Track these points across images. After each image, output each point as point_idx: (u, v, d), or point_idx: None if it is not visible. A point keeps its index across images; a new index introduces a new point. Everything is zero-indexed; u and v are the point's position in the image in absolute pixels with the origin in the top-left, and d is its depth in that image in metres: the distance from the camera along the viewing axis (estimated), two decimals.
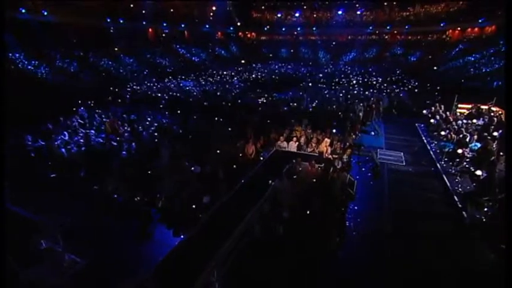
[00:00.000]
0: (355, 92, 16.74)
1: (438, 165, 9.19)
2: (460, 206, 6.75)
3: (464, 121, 10.42)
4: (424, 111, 13.45)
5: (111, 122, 9.59)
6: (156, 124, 10.49)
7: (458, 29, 35.43)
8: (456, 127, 9.99)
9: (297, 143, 9.21)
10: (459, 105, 13.34)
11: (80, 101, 14.31)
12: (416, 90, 18.33)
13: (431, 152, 10.39)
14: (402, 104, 16.20)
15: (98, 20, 27.64)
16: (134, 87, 18.95)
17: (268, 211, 5.73)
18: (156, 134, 9.33)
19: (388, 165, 9.78)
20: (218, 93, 15.58)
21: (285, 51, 43.63)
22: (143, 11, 32.70)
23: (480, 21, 32.12)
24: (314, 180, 6.69)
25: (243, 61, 38.39)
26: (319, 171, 7.33)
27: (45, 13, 22.61)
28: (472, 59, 28.89)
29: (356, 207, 7.12)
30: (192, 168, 7.07)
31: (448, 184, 7.86)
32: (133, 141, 8.44)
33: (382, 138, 12.54)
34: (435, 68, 30.34)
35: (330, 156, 8.12)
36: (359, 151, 10.28)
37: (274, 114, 11.58)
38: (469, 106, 13.18)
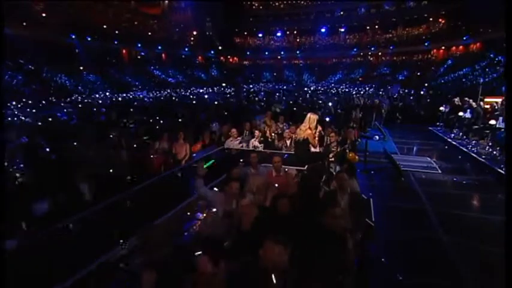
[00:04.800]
0: (349, 95, 13.52)
1: (501, 170, 5.48)
2: None
3: None
4: (442, 108, 10.14)
5: None
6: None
7: (443, 48, 34.78)
8: None
9: (262, 138, 5.42)
10: (485, 99, 10.18)
11: None
12: (421, 93, 15.36)
13: (474, 154, 6.78)
14: (407, 107, 12.99)
15: (61, 36, 24.81)
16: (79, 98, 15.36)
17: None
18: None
19: (414, 174, 6.01)
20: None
21: (268, 74, 41.89)
22: (116, 31, 30.53)
23: (464, 38, 31.45)
24: (283, 198, 2.73)
25: (223, 84, 36.07)
26: (295, 179, 3.45)
27: None
28: (463, 73, 27.32)
29: (383, 259, 3.16)
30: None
31: None
32: None
33: (392, 143, 8.95)
34: (426, 84, 28.47)
35: (318, 149, 4.29)
36: (365, 157, 6.58)
37: (234, 109, 7.90)
38: (498, 100, 10.01)
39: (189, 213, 3.08)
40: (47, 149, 4.20)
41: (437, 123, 10.67)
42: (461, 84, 23.86)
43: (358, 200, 3.09)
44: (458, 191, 5.17)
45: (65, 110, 9.16)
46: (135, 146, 4.75)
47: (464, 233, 3.83)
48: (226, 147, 5.09)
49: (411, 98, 14.21)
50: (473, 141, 7.49)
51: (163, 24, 33.87)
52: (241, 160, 3.68)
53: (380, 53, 39.16)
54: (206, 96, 16.19)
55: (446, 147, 8.35)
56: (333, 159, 4.96)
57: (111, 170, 3.87)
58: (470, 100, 8.65)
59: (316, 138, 3.97)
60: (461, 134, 8.44)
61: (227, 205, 2.52)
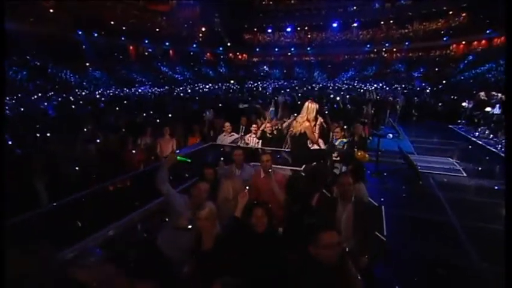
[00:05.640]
0: (361, 91, 12.63)
1: None
2: None
3: None
4: (464, 103, 9.17)
5: None
6: None
7: (463, 42, 32.83)
8: None
9: (259, 134, 4.79)
10: None
11: None
12: (440, 86, 14.22)
13: (505, 155, 5.87)
14: (423, 103, 11.99)
15: (68, 33, 24.91)
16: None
17: None
18: None
19: (435, 177, 5.21)
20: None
21: (278, 71, 41.01)
22: (123, 28, 30.50)
23: (488, 32, 29.49)
24: (259, 208, 2.02)
25: (232, 81, 35.53)
26: (287, 180, 2.78)
27: None
28: (486, 68, 25.56)
29: (397, 286, 2.46)
30: None
31: None
32: None
33: (407, 141, 8.11)
34: (444, 81, 26.87)
35: (323, 145, 3.60)
36: (378, 157, 5.82)
37: (234, 103, 7.27)
38: None
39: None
40: (10, 142, 3.73)
41: (459, 121, 9.69)
42: (484, 80, 22.29)
43: (366, 210, 2.39)
44: (489, 199, 4.34)
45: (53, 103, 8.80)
46: (111, 140, 4.20)
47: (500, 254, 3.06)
48: (216, 143, 4.49)
49: (427, 92, 13.14)
50: (504, 140, 6.56)
51: (171, 20, 33.63)
52: (222, 158, 3.05)
53: (395, 49, 37.56)
54: (205, 90, 15.67)
55: (470, 147, 7.43)
56: (338, 158, 4.26)
57: (76, 167, 3.33)
58: (499, 94, 7.67)
59: (316, 133, 3.27)
60: (487, 132, 7.50)
61: (188, 214, 1.90)
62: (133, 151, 4.09)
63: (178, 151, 4.18)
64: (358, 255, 2.21)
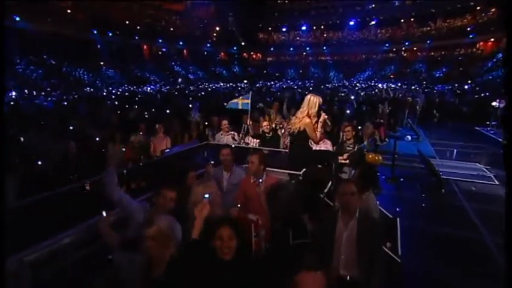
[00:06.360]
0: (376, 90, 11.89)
1: None
2: None
3: None
4: (495, 103, 8.30)
5: None
6: None
7: (492, 39, 30.70)
8: None
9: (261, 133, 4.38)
10: None
11: None
12: (466, 87, 13.19)
13: None
14: (446, 103, 11.09)
15: (83, 32, 25.51)
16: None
17: None
18: None
19: (460, 184, 4.56)
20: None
21: (293, 71, 40.32)
22: (138, 27, 30.96)
23: None
24: (224, 225, 1.47)
25: (245, 81, 35.27)
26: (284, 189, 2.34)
27: (17, 19, 20.48)
28: None
29: None
30: None
31: None
32: None
33: (428, 144, 7.40)
34: (469, 81, 25.19)
35: (325, 145, 3.13)
36: (394, 160, 5.22)
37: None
38: None
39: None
40: None
41: (488, 122, 8.81)
42: None
43: (373, 227, 1.90)
44: None
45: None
46: (98, 137, 3.92)
47: None
48: (212, 143, 4.11)
49: (450, 90, 12.15)
50: None
51: (185, 19, 33.85)
52: (212, 162, 2.63)
53: (415, 48, 35.83)
54: (213, 88, 15.43)
55: (502, 151, 6.63)
56: (347, 161, 3.76)
57: (53, 165, 3.06)
58: None
59: (319, 131, 2.78)
60: None
61: (140, 230, 1.52)
62: (123, 149, 3.79)
63: (167, 150, 3.83)
64: (364, 286, 1.74)
